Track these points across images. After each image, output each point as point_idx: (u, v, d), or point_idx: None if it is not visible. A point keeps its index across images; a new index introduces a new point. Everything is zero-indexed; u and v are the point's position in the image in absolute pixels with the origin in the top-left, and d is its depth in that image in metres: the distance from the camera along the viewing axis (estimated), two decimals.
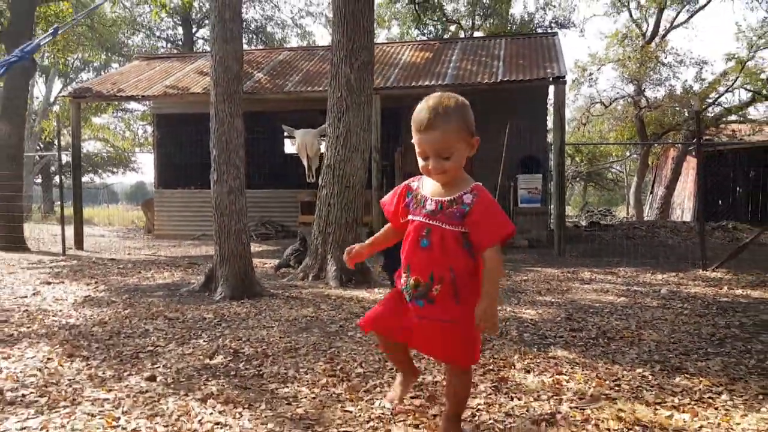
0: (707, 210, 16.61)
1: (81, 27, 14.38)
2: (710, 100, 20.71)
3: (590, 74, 21.89)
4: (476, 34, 19.34)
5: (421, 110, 1.97)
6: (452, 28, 20.07)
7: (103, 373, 3.01)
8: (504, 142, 8.86)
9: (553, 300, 5.32)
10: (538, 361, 3.23)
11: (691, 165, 19.94)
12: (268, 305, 4.90)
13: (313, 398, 2.62)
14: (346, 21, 6.44)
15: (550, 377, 2.93)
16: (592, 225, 16.30)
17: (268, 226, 12.21)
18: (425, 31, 18.67)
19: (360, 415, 2.39)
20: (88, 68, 28.27)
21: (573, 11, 30.78)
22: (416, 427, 2.26)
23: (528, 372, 3.03)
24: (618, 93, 22.72)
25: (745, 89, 20.48)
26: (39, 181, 30.52)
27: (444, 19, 19.19)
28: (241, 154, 5.48)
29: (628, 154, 28.54)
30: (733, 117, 20.82)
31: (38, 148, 25.76)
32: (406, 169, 12.47)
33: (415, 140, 1.99)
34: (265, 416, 2.40)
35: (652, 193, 24.77)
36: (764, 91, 19.79)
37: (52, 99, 27.74)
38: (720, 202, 19.00)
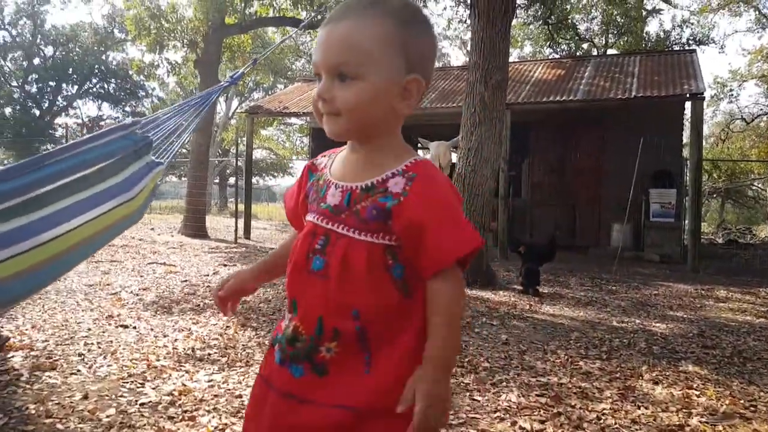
0: None
1: (256, 54, 15.72)
2: None
3: (730, 90, 19.66)
4: (609, 51, 18.20)
5: None
6: (585, 46, 19.07)
7: (268, 342, 3.28)
8: (637, 156, 8.26)
9: (684, 316, 4.85)
10: (667, 374, 2.97)
11: None
12: None
13: None
14: (483, 44, 6.39)
15: (679, 390, 2.69)
16: (729, 243, 14.59)
17: None
18: (557, 50, 17.93)
19: (487, 405, 2.37)
20: (259, 89, 30.77)
21: (712, 28, 27.75)
22: (542, 422, 2.20)
23: (656, 384, 2.80)
24: (762, 110, 20.16)
25: None
26: (217, 181, 33.82)
27: (577, 38, 18.30)
28: None
29: None
30: None
31: (218, 154, 28.56)
32: (533, 178, 12.09)
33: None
34: None
35: None
36: None
37: (230, 114, 30.63)
38: None
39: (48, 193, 1.40)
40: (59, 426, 2.06)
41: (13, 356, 2.84)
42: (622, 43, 18.77)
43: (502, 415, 2.25)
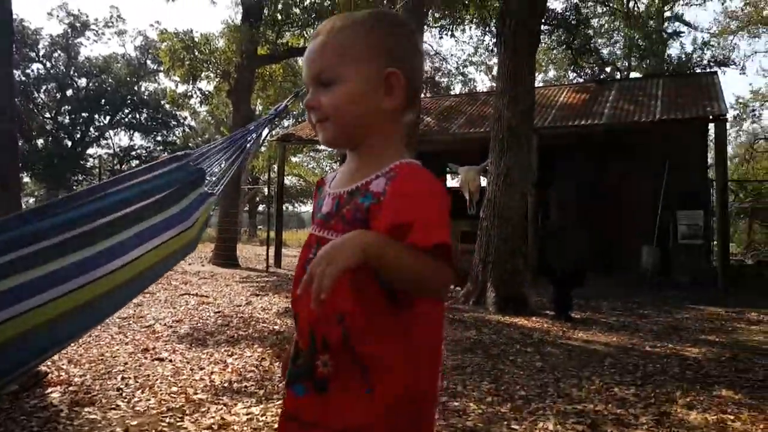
0: None
1: (287, 83, 16.01)
2: None
3: (752, 111, 19.35)
4: (632, 74, 18.14)
5: None
6: (608, 69, 19.05)
7: None
8: (664, 178, 8.22)
9: (716, 339, 4.80)
10: (701, 399, 2.99)
11: None
12: None
13: (480, 414, 2.69)
14: (509, 71, 6.52)
15: (714, 416, 2.71)
16: (759, 264, 14.18)
17: None
18: (581, 74, 17.95)
19: None
20: (290, 116, 31.46)
21: (733, 50, 27.36)
22: None
23: (691, 409, 2.82)
24: None
25: None
26: (246, 209, 34.38)
27: (600, 61, 18.31)
28: None
29: None
30: None
31: (248, 181, 29.06)
32: (561, 202, 12.04)
33: None
34: (439, 425, 2.53)
35: None
36: None
37: (261, 141, 31.33)
38: None
39: (107, 224, 1.37)
40: None
41: (51, 392, 2.80)
42: (644, 66, 18.71)
43: None
